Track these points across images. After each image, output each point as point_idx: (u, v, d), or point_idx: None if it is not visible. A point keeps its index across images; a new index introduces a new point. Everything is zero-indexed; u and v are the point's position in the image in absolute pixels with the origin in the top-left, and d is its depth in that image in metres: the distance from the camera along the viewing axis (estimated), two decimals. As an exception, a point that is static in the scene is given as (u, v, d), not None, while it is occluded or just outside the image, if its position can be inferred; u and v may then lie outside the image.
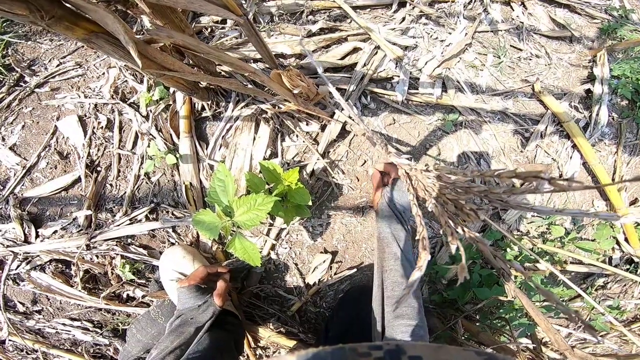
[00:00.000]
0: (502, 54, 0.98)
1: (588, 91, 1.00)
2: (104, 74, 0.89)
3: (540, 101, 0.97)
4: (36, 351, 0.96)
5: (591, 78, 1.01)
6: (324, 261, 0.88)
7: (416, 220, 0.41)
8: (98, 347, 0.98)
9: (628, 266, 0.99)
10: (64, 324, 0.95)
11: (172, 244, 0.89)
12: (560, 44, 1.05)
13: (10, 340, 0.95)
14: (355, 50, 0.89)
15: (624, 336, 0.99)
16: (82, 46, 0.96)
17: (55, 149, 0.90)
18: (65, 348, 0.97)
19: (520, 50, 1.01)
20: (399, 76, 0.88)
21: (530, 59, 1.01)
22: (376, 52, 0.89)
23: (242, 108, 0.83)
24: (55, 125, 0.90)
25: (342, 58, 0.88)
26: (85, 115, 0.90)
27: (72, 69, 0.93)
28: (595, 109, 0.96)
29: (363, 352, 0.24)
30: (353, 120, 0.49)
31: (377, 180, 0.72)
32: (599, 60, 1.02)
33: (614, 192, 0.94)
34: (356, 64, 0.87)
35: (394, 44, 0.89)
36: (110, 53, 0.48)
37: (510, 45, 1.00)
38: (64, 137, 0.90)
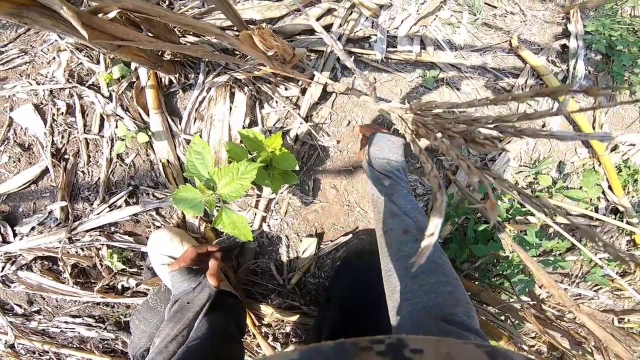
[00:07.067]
0: (477, 12, 0.84)
1: (564, 46, 0.90)
2: (54, 58, 0.72)
3: (519, 56, 0.86)
4: (47, 352, 0.84)
5: (566, 34, 0.90)
6: (312, 244, 0.74)
7: (421, 158, 0.31)
8: (106, 342, 0.86)
9: (613, 216, 0.89)
10: (66, 322, 0.82)
11: (158, 227, 0.74)
12: (534, 1, 0.93)
13: (19, 343, 0.83)
14: (330, 11, 0.74)
15: (616, 291, 0.88)
16: (25, 32, 0.77)
17: (15, 141, 0.74)
18: (75, 346, 0.85)
19: (495, 7, 0.88)
20: (376, 35, 0.74)
21: (505, 16, 0.89)
22: (351, 12, 0.74)
23: (213, 78, 0.68)
24: (10, 117, 0.74)
25: (317, 20, 0.73)
26: (42, 103, 0.73)
27: (17, 57, 0.76)
28: (572, 63, 0.87)
29: (365, 346, 0.21)
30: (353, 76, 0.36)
31: (360, 143, 0.62)
32: (572, 17, 0.91)
33: (596, 140, 0.82)
34: (332, 24, 0.73)
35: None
36: (49, 27, 0.37)
37: (485, 3, 0.87)
38: (22, 128, 0.74)
